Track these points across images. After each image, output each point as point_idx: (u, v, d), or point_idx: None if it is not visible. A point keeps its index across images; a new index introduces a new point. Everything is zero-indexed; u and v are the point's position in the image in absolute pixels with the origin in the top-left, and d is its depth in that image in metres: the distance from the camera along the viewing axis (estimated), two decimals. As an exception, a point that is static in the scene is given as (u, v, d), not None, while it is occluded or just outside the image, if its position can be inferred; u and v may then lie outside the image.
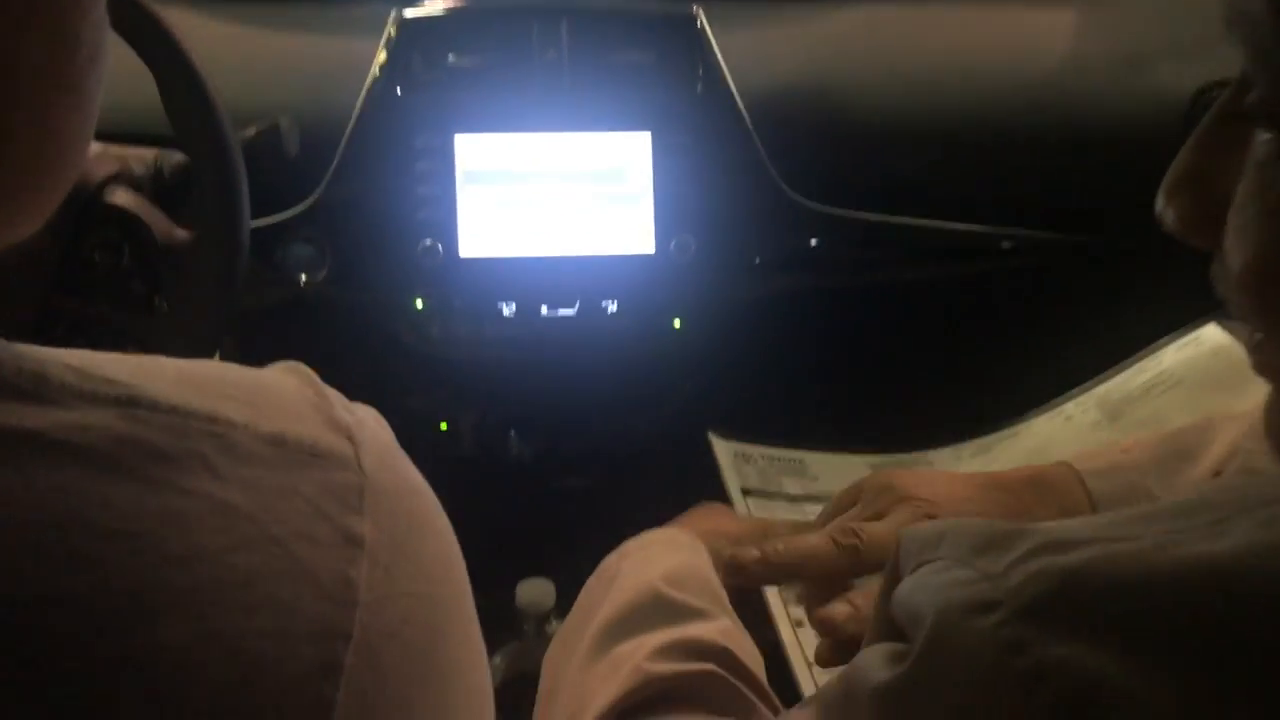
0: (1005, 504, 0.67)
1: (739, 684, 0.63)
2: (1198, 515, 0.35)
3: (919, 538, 0.41)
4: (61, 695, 0.28)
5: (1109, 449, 0.70)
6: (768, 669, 0.72)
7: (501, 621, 1.02)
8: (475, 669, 0.42)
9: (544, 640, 0.99)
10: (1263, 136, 0.37)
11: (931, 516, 0.66)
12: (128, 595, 0.30)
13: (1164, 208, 0.43)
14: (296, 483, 0.34)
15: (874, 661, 0.39)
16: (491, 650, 1.01)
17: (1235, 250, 0.39)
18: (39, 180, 0.36)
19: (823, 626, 0.66)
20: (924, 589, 0.38)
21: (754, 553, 0.68)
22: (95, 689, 0.29)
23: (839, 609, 0.65)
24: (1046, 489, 0.68)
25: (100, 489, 0.30)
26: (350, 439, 0.37)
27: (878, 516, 0.69)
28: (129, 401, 0.32)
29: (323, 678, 0.32)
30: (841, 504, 0.74)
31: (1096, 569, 0.34)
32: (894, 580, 0.42)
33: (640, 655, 0.64)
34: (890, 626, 0.41)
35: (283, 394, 0.38)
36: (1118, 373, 1.00)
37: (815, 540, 0.68)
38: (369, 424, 0.40)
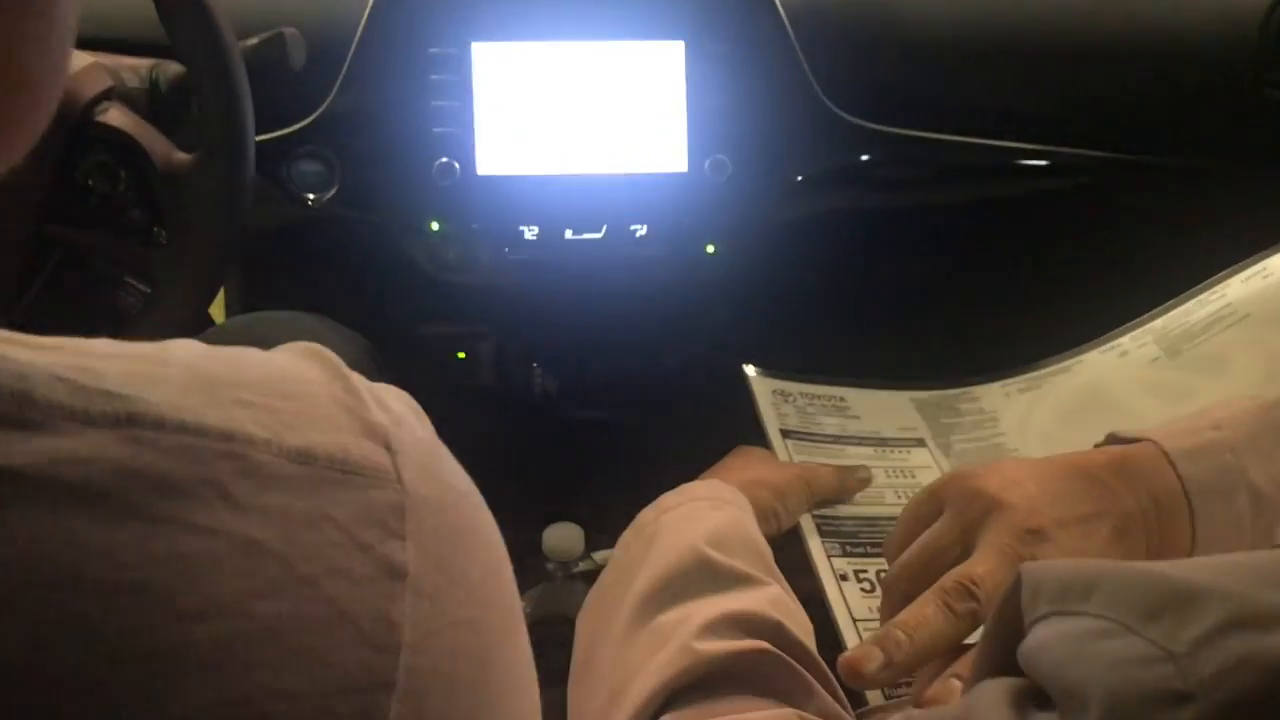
0: (1094, 495, 0.61)
1: (794, 663, 0.59)
2: None
3: (1054, 580, 0.35)
4: None
5: (1196, 422, 0.64)
6: (810, 619, 0.68)
7: (528, 562, 0.99)
8: (525, 686, 0.38)
9: (572, 583, 0.96)
10: None
11: (1034, 530, 0.60)
12: (134, 661, 0.25)
13: None
14: (328, 507, 0.30)
15: (1001, 711, 0.34)
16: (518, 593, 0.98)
17: None
18: (9, 116, 0.30)
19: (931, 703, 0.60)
20: (1084, 658, 0.32)
21: (877, 658, 0.60)
22: None
23: (951, 688, 0.59)
24: (1134, 474, 0.62)
25: (98, 535, 0.26)
26: (387, 445, 0.32)
27: (969, 529, 0.63)
28: (130, 420, 0.27)
29: None
30: (922, 513, 0.67)
31: None
32: (1011, 620, 0.37)
33: (688, 631, 0.59)
34: (1005, 661, 0.36)
35: (308, 393, 0.32)
36: (1178, 305, 0.94)
37: (931, 615, 0.60)
38: (406, 421, 0.34)
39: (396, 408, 0.35)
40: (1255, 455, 0.60)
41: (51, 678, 0.24)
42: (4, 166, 0.32)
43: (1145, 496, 0.61)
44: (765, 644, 0.59)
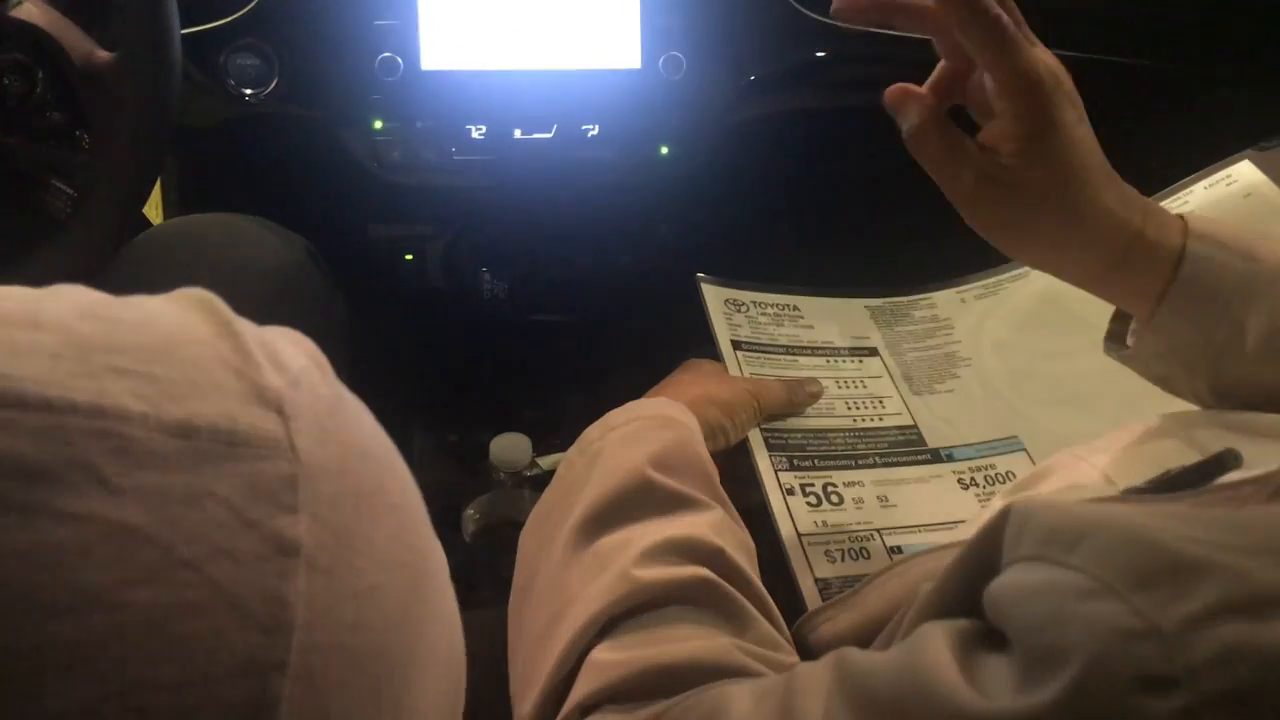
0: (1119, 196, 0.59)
1: (733, 590, 0.58)
2: None
3: (1042, 525, 0.33)
4: None
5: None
6: (754, 533, 0.68)
7: (476, 467, 0.98)
8: (443, 642, 0.37)
9: (520, 490, 0.95)
10: None
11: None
12: None
13: None
14: (211, 484, 0.28)
15: (944, 658, 0.33)
16: (467, 499, 0.98)
17: None
18: None
19: None
20: (1063, 619, 0.30)
21: None
22: None
23: None
24: (1147, 199, 0.62)
25: None
26: (280, 411, 0.30)
27: None
28: None
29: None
30: None
31: None
32: (989, 551, 0.35)
33: (628, 558, 0.59)
34: (965, 600, 0.35)
35: (191, 356, 0.30)
36: (1139, 211, 0.93)
37: None
38: (305, 378, 0.32)
39: (295, 363, 0.33)
40: (1259, 236, 0.61)
41: None
42: None
43: (1153, 214, 0.60)
44: (704, 571, 0.58)
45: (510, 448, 0.91)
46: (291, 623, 0.28)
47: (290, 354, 0.33)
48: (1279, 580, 0.28)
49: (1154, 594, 0.29)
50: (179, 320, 0.32)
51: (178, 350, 0.30)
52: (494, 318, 1.13)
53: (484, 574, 0.91)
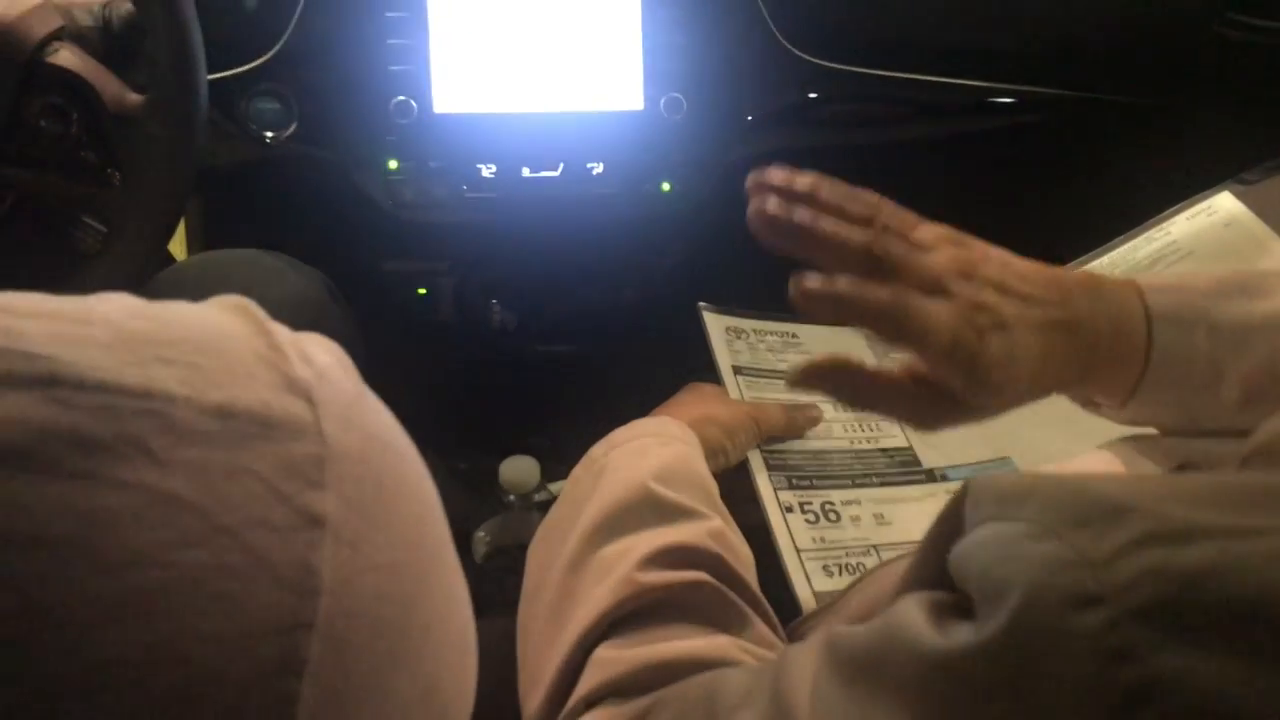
0: (1061, 304, 0.58)
1: (731, 593, 0.61)
2: None
3: (995, 490, 0.37)
4: None
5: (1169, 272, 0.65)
6: (755, 551, 0.70)
7: (486, 493, 1.01)
8: (454, 621, 0.39)
9: (528, 514, 0.98)
10: None
11: (971, 274, 0.58)
12: (57, 612, 0.26)
13: None
14: (248, 461, 0.31)
15: (916, 616, 0.36)
16: (476, 523, 1.00)
17: None
18: None
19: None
20: (1008, 557, 0.34)
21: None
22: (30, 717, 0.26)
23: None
24: (1101, 299, 0.59)
25: (19, 493, 0.27)
26: (309, 399, 0.33)
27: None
28: (50, 380, 0.28)
29: (284, 673, 0.30)
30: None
31: (1223, 576, 0.30)
32: (952, 527, 0.39)
33: (630, 563, 0.61)
34: (935, 574, 0.38)
35: (229, 350, 0.33)
36: (1124, 242, 0.96)
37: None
38: (330, 374, 0.35)
39: (321, 360, 0.36)
40: (1218, 298, 0.60)
41: None
42: None
43: (1105, 320, 0.59)
44: (704, 575, 0.61)
45: (519, 470, 0.94)
46: (319, 588, 0.30)
47: (317, 352, 0.36)
48: (1195, 518, 0.32)
49: (1087, 531, 0.33)
50: (217, 320, 0.35)
51: (217, 344, 0.33)
52: (504, 349, 1.17)
53: (493, 595, 0.93)
